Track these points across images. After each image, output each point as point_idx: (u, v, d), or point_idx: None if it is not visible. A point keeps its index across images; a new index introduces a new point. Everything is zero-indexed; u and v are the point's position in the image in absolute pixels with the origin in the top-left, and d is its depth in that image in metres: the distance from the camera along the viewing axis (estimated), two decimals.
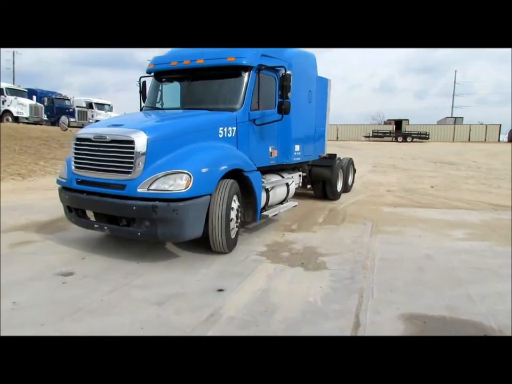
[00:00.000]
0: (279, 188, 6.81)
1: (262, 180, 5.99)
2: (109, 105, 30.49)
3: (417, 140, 45.54)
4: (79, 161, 5.01)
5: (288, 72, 5.94)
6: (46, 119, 25.11)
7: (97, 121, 25.37)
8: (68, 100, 29.08)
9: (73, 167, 5.08)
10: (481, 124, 50.77)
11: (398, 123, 51.70)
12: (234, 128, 5.62)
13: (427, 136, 45.55)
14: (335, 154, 9.86)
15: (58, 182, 5.40)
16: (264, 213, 6.13)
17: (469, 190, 11.35)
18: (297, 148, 7.32)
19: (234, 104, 5.78)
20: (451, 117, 60.94)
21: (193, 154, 4.81)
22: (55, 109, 27.05)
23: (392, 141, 45.64)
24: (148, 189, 4.43)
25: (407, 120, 52.75)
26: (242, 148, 5.74)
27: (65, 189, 5.23)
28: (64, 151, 14.49)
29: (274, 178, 6.69)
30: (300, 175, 8.30)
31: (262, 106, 6.03)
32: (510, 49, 73.42)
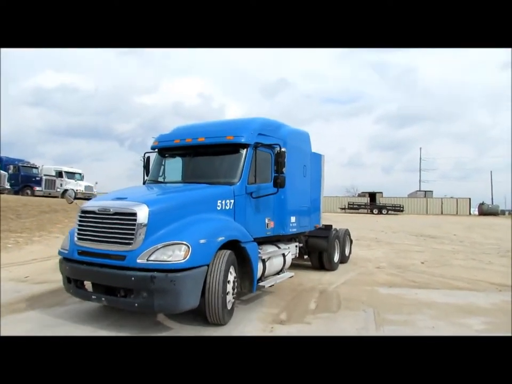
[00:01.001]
0: (276, 259, 6.98)
1: (259, 250, 6.13)
2: (80, 174, 29.51)
3: (392, 212, 46.19)
4: (82, 232, 5.14)
5: (282, 149, 6.35)
6: (8, 187, 23.80)
7: (65, 190, 24.98)
8: (35, 168, 28.05)
9: (76, 238, 5.20)
10: (451, 197, 52.58)
11: (372, 195, 52.89)
12: (232, 200, 5.87)
13: (401, 208, 46.46)
14: (331, 225, 10.02)
15: (60, 253, 5.49)
16: (261, 284, 6.23)
17: (461, 266, 10.77)
18: (293, 219, 7.54)
19: (233, 178, 6.08)
20: (421, 191, 63.28)
21: (192, 225, 5.00)
22: (21, 177, 25.93)
23: (367, 213, 46.07)
24: (148, 260, 4.55)
25: (381, 192, 54.13)
26: (240, 220, 5.93)
27: (66, 260, 5.32)
28: (21, 222, 13.20)
29: (271, 249, 6.85)
30: (296, 246, 8.41)
31: (259, 180, 6.35)
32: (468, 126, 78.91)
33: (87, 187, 28.10)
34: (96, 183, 29.53)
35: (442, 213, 49.64)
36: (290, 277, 7.42)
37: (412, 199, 55.57)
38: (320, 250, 9.33)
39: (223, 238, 5.17)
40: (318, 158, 9.47)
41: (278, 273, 7.14)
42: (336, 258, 9.81)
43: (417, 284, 8.28)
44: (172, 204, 5.26)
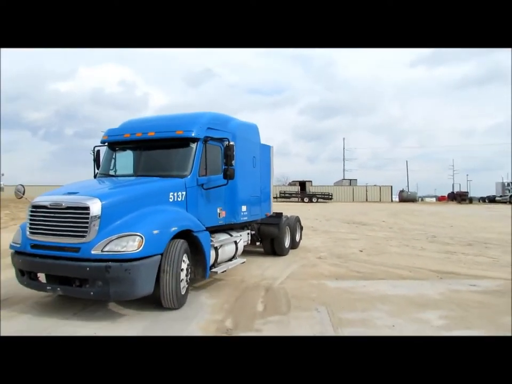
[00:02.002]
0: (228, 246, 7.34)
1: (211, 238, 6.45)
2: None
3: (322, 200, 47.63)
4: (34, 226, 5.26)
5: (231, 143, 6.65)
6: None
7: None
8: None
9: (28, 232, 5.30)
10: (375, 185, 55.70)
11: (302, 184, 54.14)
12: (184, 192, 6.11)
13: (330, 196, 48.12)
14: (281, 213, 10.49)
15: (11, 247, 5.56)
16: (213, 270, 6.56)
17: (397, 253, 10.87)
18: (244, 208, 7.93)
19: (184, 171, 6.31)
20: (346, 179, 66.29)
21: (145, 217, 5.22)
22: None
23: (298, 201, 47.00)
24: (102, 251, 4.76)
25: (310, 181, 55.60)
26: (192, 210, 6.20)
27: (18, 253, 5.41)
28: None
29: (223, 237, 7.21)
30: (248, 233, 8.84)
31: (210, 172, 6.57)
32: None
33: None
34: (3, 174, 26.22)
35: (367, 200, 52.39)
36: (242, 263, 7.79)
37: (338, 187, 58.02)
38: (271, 237, 9.79)
39: (176, 228, 5.43)
40: (267, 149, 9.88)
41: (230, 259, 7.49)
42: (287, 244, 10.32)
43: (362, 274, 8.03)
44: (125, 196, 5.41)
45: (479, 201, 58.19)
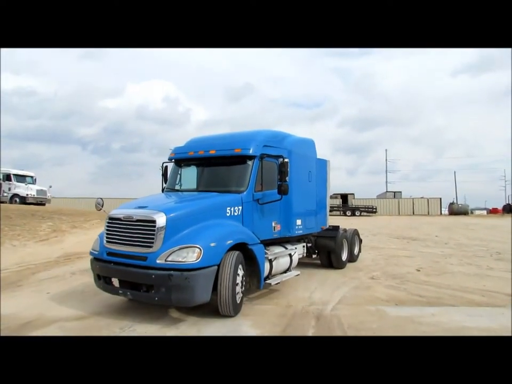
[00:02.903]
0: (282, 259, 7.55)
1: (266, 251, 6.77)
2: (31, 177, 26.90)
3: (365, 213, 45.76)
4: (110, 236, 5.87)
5: (285, 160, 6.93)
6: None
7: (14, 195, 24.35)
8: None
9: (105, 241, 5.93)
10: (422, 197, 52.79)
11: (344, 197, 52.34)
12: (240, 207, 6.49)
13: (374, 209, 46.08)
14: (338, 226, 10.52)
15: (91, 253, 6.21)
16: (268, 281, 6.78)
17: (462, 273, 9.64)
18: (298, 222, 8.13)
19: (241, 187, 6.72)
20: (390, 191, 63.49)
21: (203, 231, 5.63)
22: None
23: (340, 215, 45.39)
24: (165, 260, 5.24)
25: (353, 194, 53.71)
26: (247, 224, 6.56)
27: (96, 260, 6.05)
28: None
29: (277, 249, 7.44)
30: (303, 246, 9.09)
31: (265, 187, 6.96)
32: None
33: (39, 191, 25.60)
34: (50, 186, 27.11)
35: (414, 213, 49.71)
36: (297, 275, 7.94)
37: (382, 199, 55.47)
38: (328, 250, 9.91)
39: (231, 241, 5.80)
40: (323, 164, 10.04)
41: (285, 271, 7.69)
42: (344, 257, 10.31)
43: (426, 299, 6.99)
44: (186, 211, 5.85)
45: None
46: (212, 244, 5.45)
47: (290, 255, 7.83)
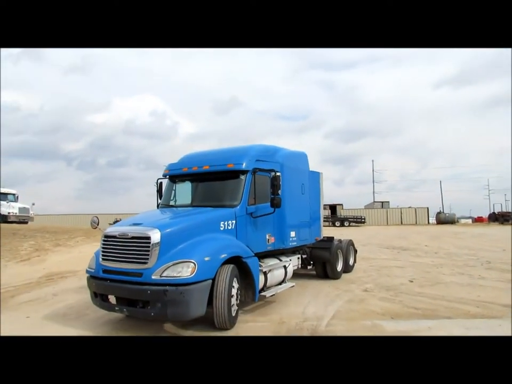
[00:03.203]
0: (277, 271, 7.63)
1: (260, 263, 6.88)
2: (13, 194, 26.29)
3: (354, 223, 45.85)
4: (106, 253, 5.92)
5: (277, 173, 7.09)
6: None
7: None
8: None
9: (100, 259, 5.99)
10: (410, 207, 53.22)
11: (333, 208, 52.44)
12: (234, 221, 6.55)
13: (363, 220, 46.19)
14: (333, 237, 10.58)
15: (87, 272, 6.23)
16: (262, 293, 6.86)
17: (455, 283, 9.57)
18: (292, 234, 8.23)
19: (234, 201, 6.80)
20: (378, 201, 63.88)
21: (198, 245, 5.70)
22: None
23: (329, 225, 45.33)
24: (161, 276, 5.33)
25: (341, 204, 53.89)
26: (241, 237, 6.63)
27: (92, 278, 6.07)
28: None
29: (272, 262, 7.54)
30: (298, 258, 9.23)
31: (258, 201, 7.05)
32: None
33: (21, 209, 24.99)
34: (33, 204, 26.48)
35: (402, 223, 50.02)
36: (291, 287, 8.05)
37: (370, 210, 55.84)
38: (323, 260, 10.02)
39: (225, 255, 5.87)
40: (316, 176, 10.11)
41: (280, 283, 7.81)
42: (339, 267, 10.45)
43: (421, 311, 6.84)
44: (180, 227, 5.95)
45: None
46: (206, 258, 5.54)
47: (285, 267, 7.93)
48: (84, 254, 14.60)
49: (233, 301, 5.90)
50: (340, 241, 10.78)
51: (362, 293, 8.60)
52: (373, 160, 72.17)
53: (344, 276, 10.65)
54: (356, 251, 11.99)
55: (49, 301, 7.93)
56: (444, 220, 49.44)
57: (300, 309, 7.13)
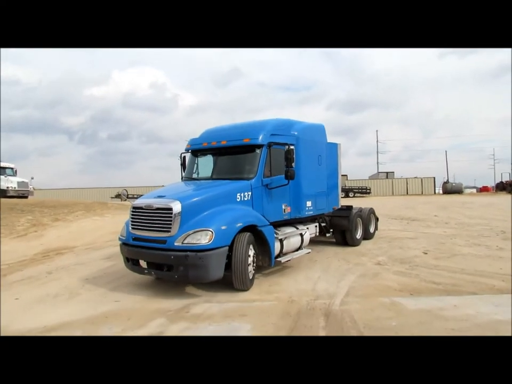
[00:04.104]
0: (293, 238, 8.07)
1: (276, 231, 7.35)
2: (11, 168, 25.75)
3: (359, 194, 45.25)
4: (134, 223, 6.61)
5: (291, 147, 7.58)
6: None
7: None
8: None
9: (130, 228, 6.67)
10: (415, 177, 52.33)
11: None
12: (250, 193, 7.03)
13: (368, 190, 45.53)
14: (351, 206, 11.03)
15: (120, 239, 6.97)
16: (278, 259, 7.32)
17: (472, 255, 9.02)
18: (308, 203, 8.64)
19: (250, 174, 7.25)
20: (383, 172, 62.95)
21: (215, 215, 6.26)
22: None
23: None
24: (182, 243, 5.92)
25: (346, 175, 53.07)
26: (257, 208, 7.10)
27: (124, 244, 6.80)
28: None
29: (288, 230, 7.97)
30: (316, 226, 9.60)
31: (274, 173, 7.42)
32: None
33: (20, 183, 24.51)
34: (32, 178, 26.01)
35: (407, 193, 49.32)
36: (308, 253, 8.42)
37: (375, 180, 54.99)
38: (342, 228, 10.45)
39: (241, 224, 6.36)
40: (333, 147, 10.42)
41: (297, 250, 8.22)
42: (358, 235, 10.86)
43: (442, 287, 6.31)
44: (200, 198, 6.46)
45: None
46: (223, 227, 6.05)
47: (301, 235, 8.31)
48: (83, 229, 14.16)
49: (250, 266, 6.43)
50: (360, 209, 11.18)
51: (375, 266, 8.09)
52: (377, 130, 71.07)
53: (353, 249, 10.15)
54: (377, 219, 12.39)
55: (42, 279, 7.46)
56: (450, 189, 48.41)
57: (310, 285, 6.63)
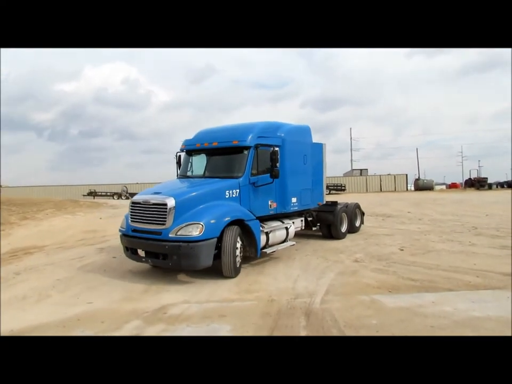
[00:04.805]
0: (279, 231, 8.80)
1: (263, 225, 8.21)
2: None
3: (334, 191, 45.75)
4: (133, 216, 7.37)
5: (275, 149, 8.24)
6: None
7: None
8: None
9: (129, 221, 7.43)
10: (389, 174, 53.43)
11: None
12: (238, 190, 7.80)
13: (343, 187, 46.12)
14: (336, 202, 11.91)
15: (120, 230, 7.71)
16: (264, 250, 8.09)
17: (446, 251, 9.20)
18: (294, 200, 9.38)
19: (238, 173, 7.99)
20: (357, 169, 63.89)
21: (205, 210, 6.98)
22: None
23: None
24: (176, 234, 6.63)
25: None
26: (245, 204, 7.88)
27: (124, 235, 7.55)
28: None
29: (274, 224, 8.72)
30: (302, 220, 10.29)
31: (261, 171, 8.15)
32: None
33: None
34: None
35: (381, 190, 50.27)
36: (292, 245, 9.12)
37: (350, 177, 55.69)
38: (328, 223, 11.08)
39: (229, 218, 7.05)
40: (319, 147, 11.18)
41: (282, 242, 8.90)
42: (343, 229, 11.48)
43: (419, 283, 6.39)
44: (192, 195, 7.18)
45: (497, 187, 55.85)
46: (212, 221, 6.75)
47: (286, 228, 9.03)
48: (54, 227, 13.66)
49: (238, 254, 7.14)
50: (346, 205, 11.94)
51: (353, 263, 8.12)
52: (350, 128, 71.48)
53: (331, 246, 10.19)
54: (363, 213, 13.04)
55: (10, 281, 7.10)
56: (422, 186, 49.79)
57: (290, 284, 6.57)
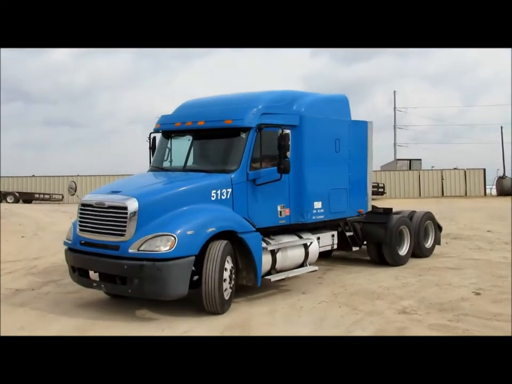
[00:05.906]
0: (292, 250, 9.51)
1: (268, 240, 9.01)
2: None
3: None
4: (83, 223, 8.18)
5: (285, 131, 8.72)
6: None
7: None
8: None
9: (78, 230, 8.25)
10: (455, 168, 53.11)
11: None
12: (229, 190, 8.56)
13: (381, 189, 45.10)
14: (391, 209, 12.57)
15: (65, 243, 8.63)
16: (267, 277, 8.83)
17: None
18: (317, 204, 10.04)
19: (231, 165, 8.85)
20: (403, 159, 62.84)
21: (180, 217, 7.81)
22: None
23: None
24: (138, 250, 7.32)
25: None
26: (240, 209, 8.67)
27: (70, 250, 8.41)
28: None
29: (286, 239, 9.52)
30: (333, 235, 11.05)
31: (266, 164, 9.01)
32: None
33: None
34: None
35: (443, 194, 50.24)
36: (313, 271, 10.05)
37: (391, 173, 53.10)
38: (377, 240, 11.80)
39: (214, 229, 7.73)
40: (361, 126, 11.85)
41: (299, 266, 9.67)
42: (403, 251, 12.21)
43: None
44: (162, 196, 8.13)
45: None
46: (189, 232, 7.39)
47: (305, 246, 9.69)
48: None
49: (226, 283, 7.79)
50: (409, 214, 12.83)
51: (398, 316, 8.32)
52: (394, 92, 71.92)
53: (362, 289, 10.21)
54: (439, 228, 13.84)
55: None
56: (509, 188, 49.04)
57: None
